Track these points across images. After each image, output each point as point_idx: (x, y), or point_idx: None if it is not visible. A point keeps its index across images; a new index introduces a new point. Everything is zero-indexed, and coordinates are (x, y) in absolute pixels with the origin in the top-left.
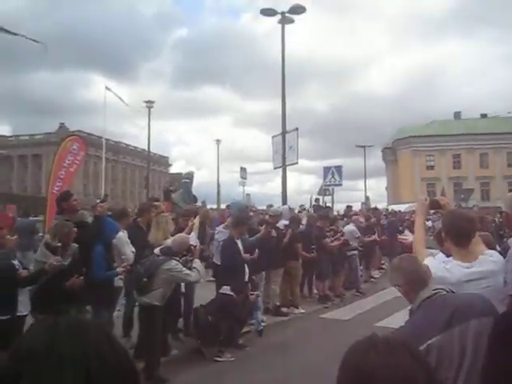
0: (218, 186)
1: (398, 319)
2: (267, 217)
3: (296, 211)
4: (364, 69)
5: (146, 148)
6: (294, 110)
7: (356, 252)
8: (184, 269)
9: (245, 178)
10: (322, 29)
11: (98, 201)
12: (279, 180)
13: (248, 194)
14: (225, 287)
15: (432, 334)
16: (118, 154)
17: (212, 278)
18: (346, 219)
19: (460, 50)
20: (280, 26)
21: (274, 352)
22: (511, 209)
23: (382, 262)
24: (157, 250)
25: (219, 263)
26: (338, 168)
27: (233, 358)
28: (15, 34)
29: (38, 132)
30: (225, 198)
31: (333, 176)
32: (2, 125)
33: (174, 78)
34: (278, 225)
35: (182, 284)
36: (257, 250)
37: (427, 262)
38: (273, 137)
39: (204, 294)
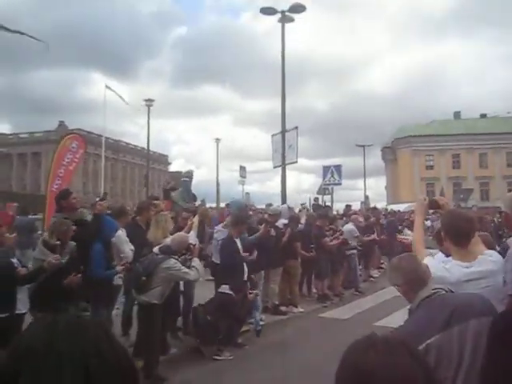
0: (218, 184)
1: (397, 318)
2: (266, 216)
3: (297, 210)
4: (364, 68)
5: (145, 146)
6: (294, 108)
7: (355, 251)
8: (183, 267)
9: (244, 177)
10: (322, 28)
11: (98, 199)
12: (279, 179)
13: (247, 193)
14: (224, 286)
15: (431, 334)
16: (117, 153)
17: (210, 277)
18: (345, 218)
19: (460, 50)
20: (280, 24)
21: (273, 351)
22: (510, 209)
23: (381, 261)
24: (156, 249)
25: (218, 262)
26: (338, 167)
27: (232, 357)
28: (16, 32)
29: (38, 130)
30: (224, 197)
31: (332, 175)
32: (1, 123)
33: (173, 77)
34: (277, 224)
35: (181, 283)
36: (255, 252)
37: (426, 261)
38: (272, 135)
39: (203, 293)
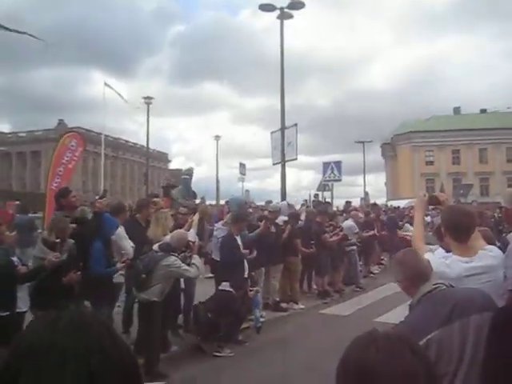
0: (217, 181)
1: (397, 314)
2: (266, 213)
3: (298, 207)
4: (363, 64)
5: (145, 144)
6: (293, 105)
7: (355, 247)
8: (183, 265)
9: (244, 174)
10: (321, 24)
11: (97, 197)
12: (278, 176)
13: (247, 190)
14: (224, 283)
15: (432, 329)
16: (117, 151)
17: (210, 275)
18: (345, 215)
19: (460, 46)
20: (279, 21)
21: (274, 348)
22: (510, 204)
23: (382, 257)
24: (155, 246)
25: (218, 259)
26: (338, 163)
27: (232, 354)
28: (14, 31)
29: (37, 129)
30: (224, 194)
31: (332, 171)
32: (1, 122)
33: (172, 75)
34: (277, 221)
35: (182, 280)
36: (255, 251)
37: (427, 257)
38: (272, 133)
39: (203, 291)
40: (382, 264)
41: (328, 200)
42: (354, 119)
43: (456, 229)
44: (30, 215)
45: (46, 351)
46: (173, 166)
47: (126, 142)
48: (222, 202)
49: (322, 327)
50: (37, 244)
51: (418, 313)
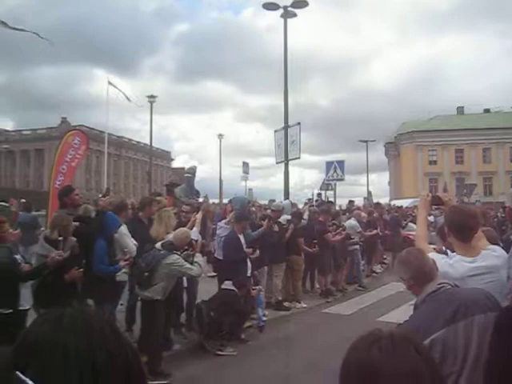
0: (221, 180)
1: (400, 314)
2: (269, 211)
3: (301, 205)
4: (367, 63)
5: (148, 143)
6: (297, 104)
7: (358, 247)
8: (185, 263)
9: (247, 173)
10: (324, 23)
11: (100, 195)
12: (281, 175)
13: (250, 189)
14: (227, 282)
15: (436, 329)
16: (120, 149)
17: (213, 273)
18: (348, 214)
19: (463, 45)
20: (282, 20)
21: (276, 346)
22: None
23: (384, 256)
24: (158, 245)
25: (221, 258)
26: (341, 163)
27: (235, 353)
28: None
29: (41, 127)
30: (227, 193)
31: (335, 171)
32: (4, 120)
33: (175, 73)
34: (280, 219)
35: (185, 279)
36: (258, 251)
37: (431, 256)
38: (275, 131)
39: (205, 289)
40: (384, 263)
41: (331, 199)
42: (358, 118)
43: (459, 229)
44: (34, 213)
45: (50, 349)
46: (176, 164)
47: (129, 140)
48: (225, 200)
49: (324, 326)
50: (39, 241)
51: (422, 312)
